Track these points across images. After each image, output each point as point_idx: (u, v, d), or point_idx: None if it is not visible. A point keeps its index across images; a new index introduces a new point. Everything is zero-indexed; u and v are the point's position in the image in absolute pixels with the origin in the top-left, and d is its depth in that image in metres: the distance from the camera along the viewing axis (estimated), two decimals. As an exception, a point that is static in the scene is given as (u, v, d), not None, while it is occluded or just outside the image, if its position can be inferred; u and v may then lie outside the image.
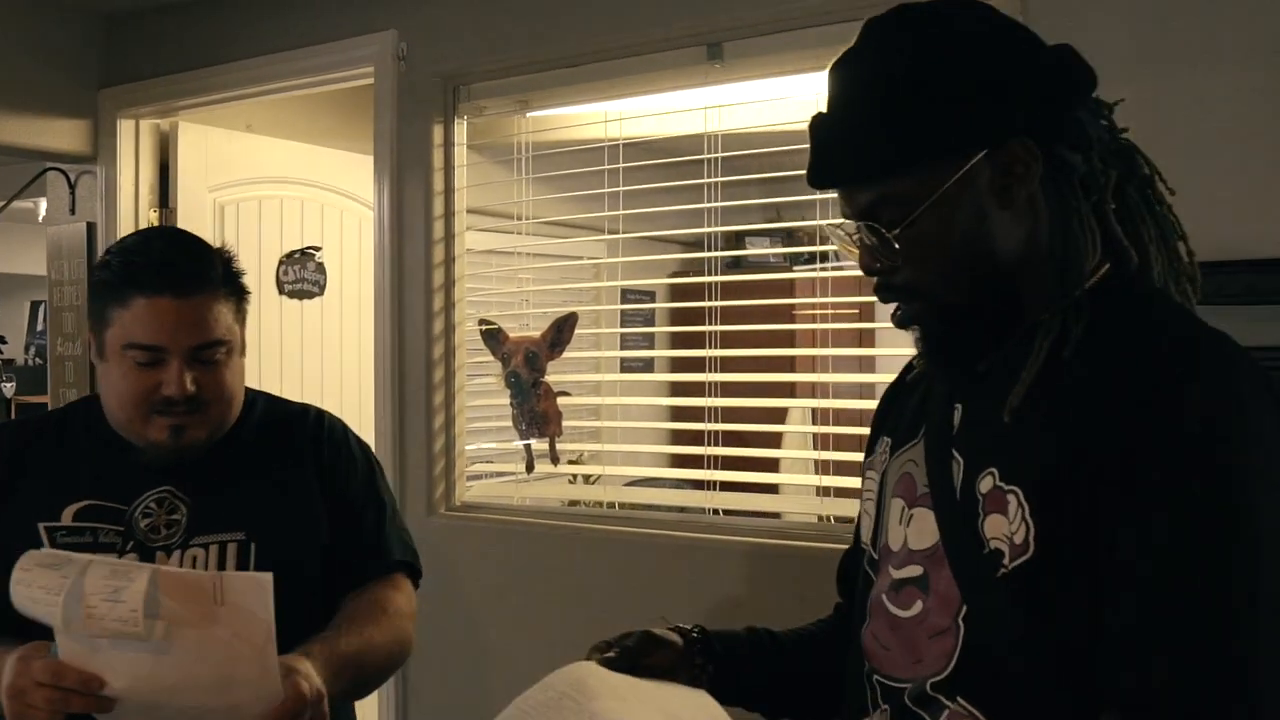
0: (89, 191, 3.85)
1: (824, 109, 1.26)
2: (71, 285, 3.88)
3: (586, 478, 3.33)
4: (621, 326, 4.11)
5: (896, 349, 3.50)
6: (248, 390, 1.92)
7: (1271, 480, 1.07)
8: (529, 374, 2.95)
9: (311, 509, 1.84)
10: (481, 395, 3.19)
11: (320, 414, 1.96)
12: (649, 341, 4.58)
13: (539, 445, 3.02)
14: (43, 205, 4.41)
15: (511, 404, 3.01)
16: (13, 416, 7.40)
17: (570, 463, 3.28)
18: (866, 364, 4.51)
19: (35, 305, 8.77)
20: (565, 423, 3.03)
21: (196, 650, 1.42)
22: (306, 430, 1.91)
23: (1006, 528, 1.15)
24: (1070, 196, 1.22)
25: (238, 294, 1.80)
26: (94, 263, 3.76)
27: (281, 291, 4.00)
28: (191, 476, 1.80)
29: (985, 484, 1.18)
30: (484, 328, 3.04)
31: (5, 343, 5.54)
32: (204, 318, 1.72)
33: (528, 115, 3.09)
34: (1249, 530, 1.05)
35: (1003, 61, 1.20)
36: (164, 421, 1.73)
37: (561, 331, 2.94)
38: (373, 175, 3.26)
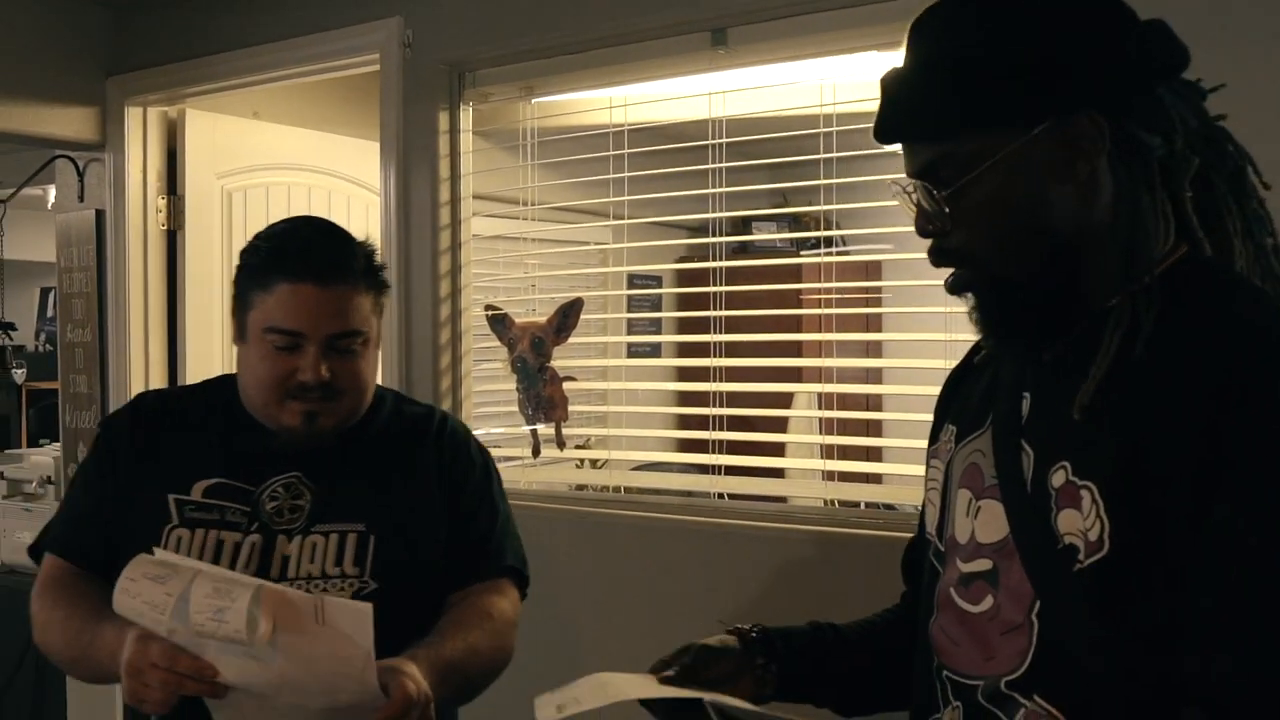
0: (97, 178, 3.87)
1: (899, 65, 1.25)
2: (81, 272, 3.89)
3: (593, 462, 3.35)
4: (628, 311, 4.12)
5: (902, 334, 3.52)
6: (379, 387, 1.96)
7: None
8: (535, 359, 2.97)
9: (431, 508, 1.87)
10: (487, 381, 3.21)
11: (445, 416, 2.00)
12: (656, 326, 4.59)
13: (545, 430, 3.03)
14: (51, 192, 4.42)
15: (518, 389, 3.03)
16: (24, 403, 7.43)
17: (577, 447, 3.29)
18: (873, 349, 4.52)
19: (45, 292, 8.80)
20: (571, 407, 3.04)
21: (300, 659, 1.47)
22: (430, 431, 1.95)
23: (1081, 524, 1.13)
24: (1143, 178, 1.19)
25: (378, 287, 1.84)
26: (103, 250, 3.79)
27: (289, 278, 4.01)
28: (318, 465, 1.84)
29: (1058, 478, 1.17)
30: (490, 313, 3.05)
31: (15, 329, 5.56)
32: (343, 307, 1.77)
33: (533, 101, 3.10)
34: None
35: (1082, 34, 1.18)
36: (298, 406, 1.78)
37: (567, 317, 2.95)
38: (379, 162, 3.26)
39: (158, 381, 3.80)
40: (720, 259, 2.85)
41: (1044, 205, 1.19)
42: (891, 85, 1.24)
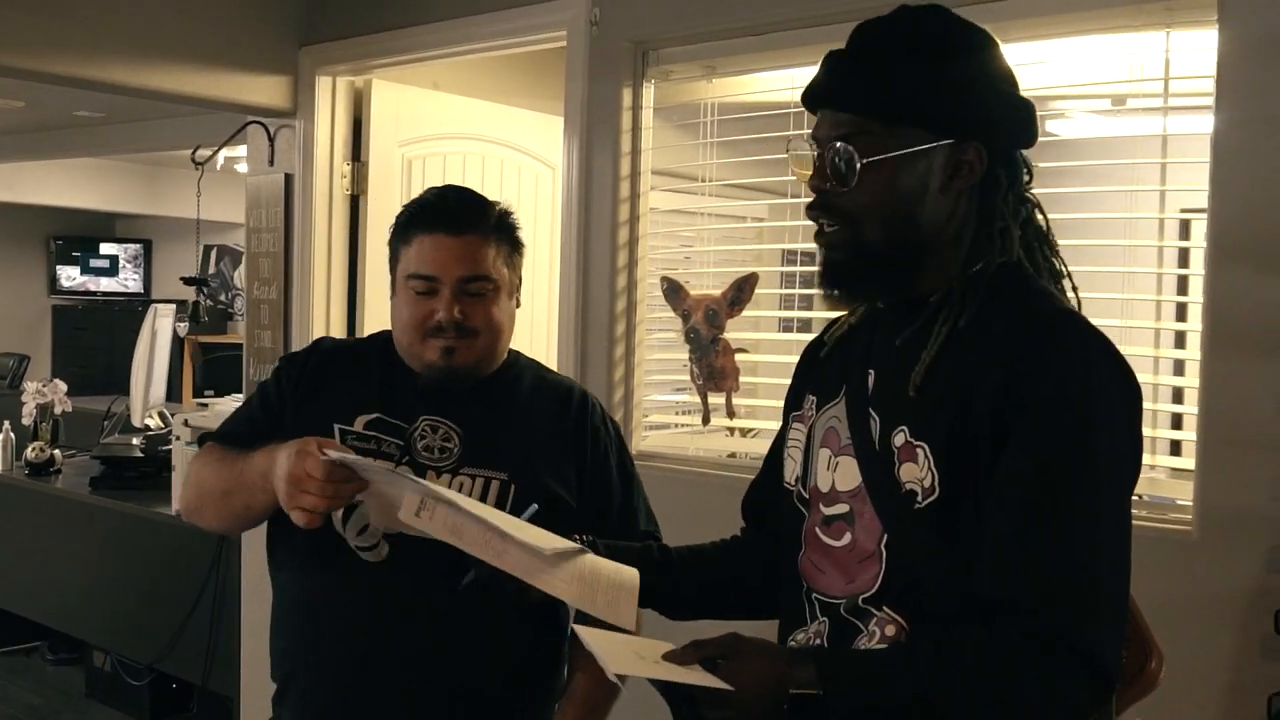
0: (287, 144, 4.07)
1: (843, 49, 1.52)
2: (269, 233, 4.11)
3: (744, 431, 3.44)
4: (795, 286, 4.19)
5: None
6: (516, 353, 2.15)
7: (1109, 429, 1.39)
8: (709, 330, 3.08)
9: (566, 470, 2.04)
10: (660, 349, 3.32)
11: (584, 392, 2.17)
12: (809, 302, 4.65)
13: (713, 399, 3.14)
14: (222, 155, 4.66)
15: (690, 358, 3.14)
16: (186, 355, 7.79)
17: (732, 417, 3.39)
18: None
19: (208, 249, 9.18)
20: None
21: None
22: (572, 402, 2.12)
23: (918, 474, 1.43)
24: (992, 207, 1.50)
25: (510, 243, 2.04)
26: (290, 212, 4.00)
27: (461, 244, 4.17)
28: (466, 413, 2.03)
29: (899, 439, 1.46)
30: (666, 284, 3.17)
31: (209, 285, 5.83)
32: (472, 254, 1.97)
33: (713, 81, 3.19)
34: (1092, 467, 1.37)
35: (997, 84, 1.50)
36: (437, 344, 1.97)
37: (742, 290, 3.06)
38: (550, 134, 3.39)
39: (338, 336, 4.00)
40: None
41: (920, 203, 1.47)
42: (841, 62, 1.50)
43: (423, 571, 1.88)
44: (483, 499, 1.96)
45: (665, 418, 3.43)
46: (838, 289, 1.54)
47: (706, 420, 3.17)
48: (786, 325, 4.49)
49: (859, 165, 1.45)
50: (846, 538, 1.51)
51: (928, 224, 1.48)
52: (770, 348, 3.46)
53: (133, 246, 10.47)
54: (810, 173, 1.51)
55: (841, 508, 1.53)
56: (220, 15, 3.78)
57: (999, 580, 1.36)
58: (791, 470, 1.64)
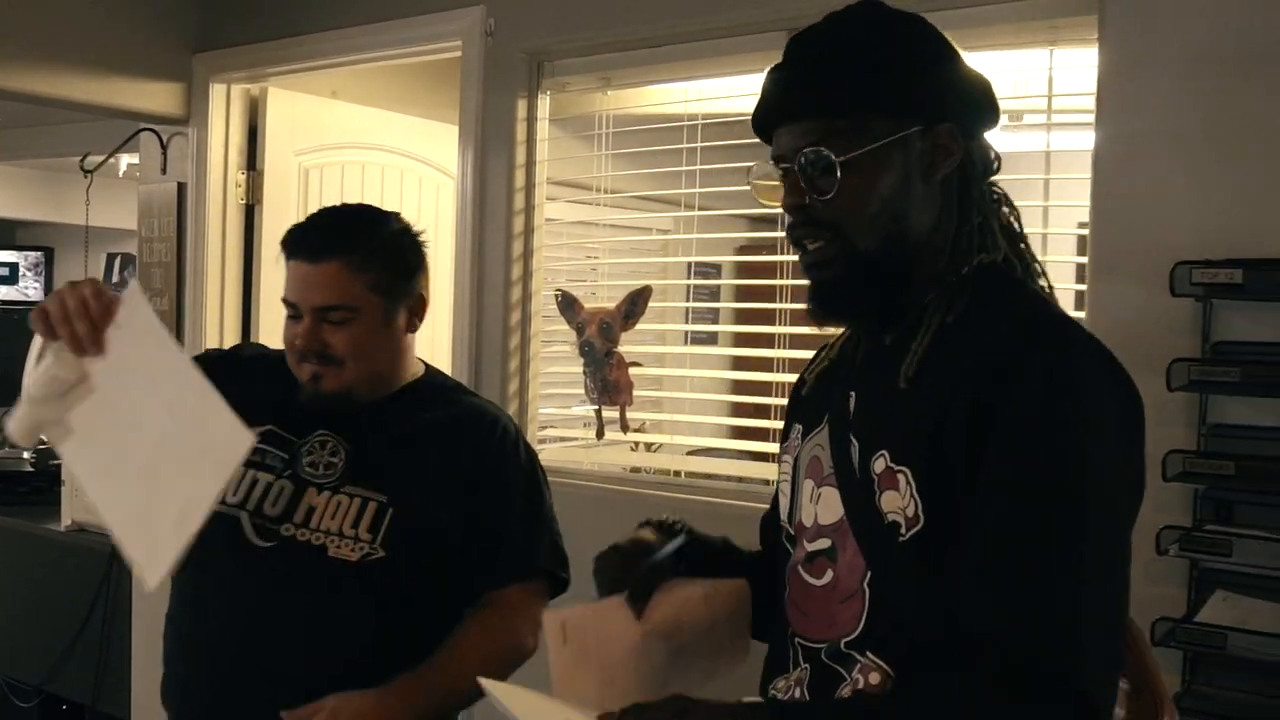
0: (180, 152, 3.98)
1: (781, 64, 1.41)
2: (161, 242, 4.01)
3: (647, 445, 3.43)
4: (690, 300, 4.19)
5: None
6: (434, 371, 2.13)
7: (1099, 445, 1.24)
8: (603, 344, 3.05)
9: (455, 497, 1.98)
10: (555, 362, 3.29)
11: (496, 418, 2.09)
12: (713, 315, 4.65)
13: (608, 412, 3.12)
14: (123, 161, 4.55)
15: (584, 372, 3.12)
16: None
17: (635, 430, 3.37)
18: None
19: (111, 257, 8.99)
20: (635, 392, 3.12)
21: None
22: (480, 427, 2.06)
23: (899, 502, 1.29)
24: (969, 198, 1.39)
25: (392, 267, 1.97)
26: (183, 221, 3.92)
27: (360, 254, 4.10)
28: (360, 431, 1.99)
29: (879, 465, 1.32)
30: (560, 297, 3.14)
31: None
32: (330, 283, 1.91)
33: (609, 92, 3.18)
34: (1076, 487, 1.22)
35: (950, 62, 1.39)
36: (305, 368, 1.95)
37: (636, 304, 3.04)
38: (451, 144, 3.35)
39: (232, 350, 3.92)
40: (788, 252, 2.91)
41: (906, 199, 1.35)
42: (785, 73, 1.40)
43: (290, 586, 1.88)
44: (358, 518, 1.93)
45: (568, 431, 3.40)
46: (831, 310, 1.42)
47: (601, 434, 3.14)
48: (694, 338, 4.50)
49: (837, 167, 1.32)
50: (828, 575, 1.38)
51: (917, 223, 1.36)
52: (675, 361, 3.44)
53: (33, 254, 10.21)
54: (780, 196, 1.38)
55: (824, 543, 1.39)
56: (111, 20, 3.69)
57: (977, 611, 1.22)
58: (784, 506, 1.52)
